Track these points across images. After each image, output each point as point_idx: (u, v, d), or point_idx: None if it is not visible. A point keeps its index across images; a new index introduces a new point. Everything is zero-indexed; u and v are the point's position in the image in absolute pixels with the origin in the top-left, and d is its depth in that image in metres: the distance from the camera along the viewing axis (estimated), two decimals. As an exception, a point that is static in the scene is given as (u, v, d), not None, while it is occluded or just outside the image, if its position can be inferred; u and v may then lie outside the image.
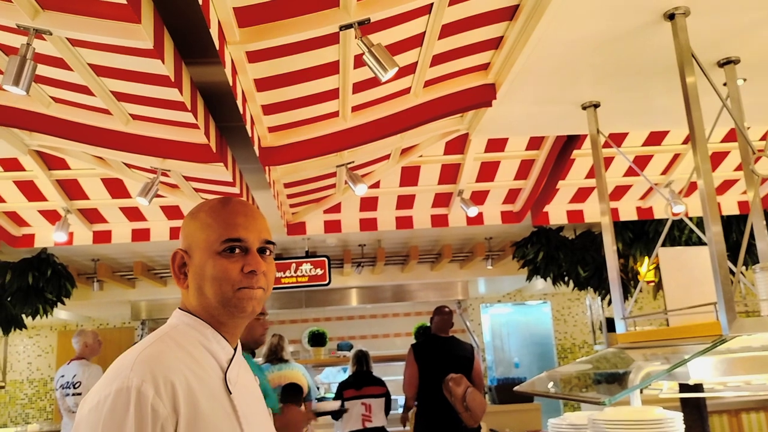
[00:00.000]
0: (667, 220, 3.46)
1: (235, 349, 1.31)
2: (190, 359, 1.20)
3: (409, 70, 3.23)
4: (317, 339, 9.09)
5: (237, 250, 1.26)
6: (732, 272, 2.59)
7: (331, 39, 2.64)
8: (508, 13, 2.92)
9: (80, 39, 2.33)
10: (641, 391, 3.31)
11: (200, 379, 1.19)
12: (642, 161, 5.01)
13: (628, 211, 5.66)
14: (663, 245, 3.38)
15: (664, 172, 5.25)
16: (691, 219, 4.92)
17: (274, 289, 7.08)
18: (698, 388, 3.21)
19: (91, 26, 2.16)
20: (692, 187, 5.25)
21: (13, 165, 4.45)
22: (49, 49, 2.48)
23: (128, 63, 2.48)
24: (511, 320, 11.26)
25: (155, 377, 1.13)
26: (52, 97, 3.15)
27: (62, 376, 5.70)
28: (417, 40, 2.95)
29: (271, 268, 1.31)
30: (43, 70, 2.69)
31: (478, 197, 5.45)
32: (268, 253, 1.30)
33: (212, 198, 1.38)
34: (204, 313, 1.27)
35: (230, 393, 1.24)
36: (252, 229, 1.28)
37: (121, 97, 2.92)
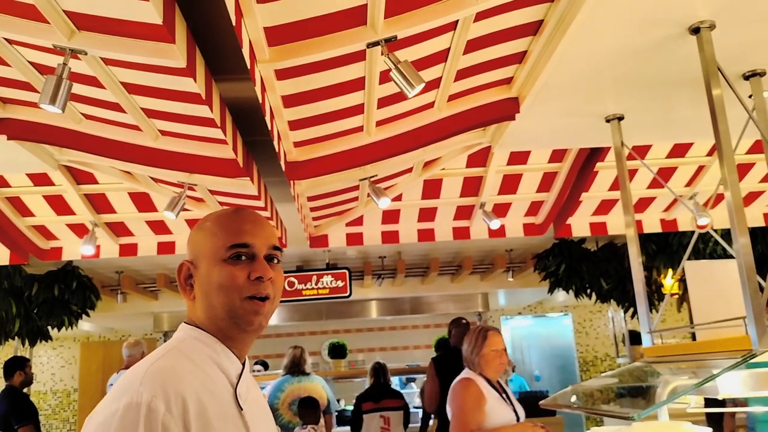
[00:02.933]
0: (691, 232, 3.45)
1: (243, 364, 1.28)
2: (201, 373, 1.16)
3: (434, 84, 3.25)
4: (337, 351, 9.09)
5: (243, 257, 1.22)
6: (760, 285, 2.57)
7: (358, 56, 2.67)
8: (533, 28, 2.94)
9: (114, 58, 2.38)
10: (667, 406, 3.28)
11: (211, 395, 1.15)
12: (666, 173, 4.99)
13: (652, 224, 5.63)
14: (687, 258, 3.36)
15: (688, 184, 5.21)
16: (715, 231, 4.88)
17: (296, 301, 7.14)
18: (725, 402, 3.18)
19: (126, 46, 2.21)
20: (718, 199, 5.21)
21: (42, 180, 4.54)
22: (83, 68, 2.54)
23: (160, 81, 2.53)
24: (532, 332, 11.20)
25: (166, 392, 1.08)
26: (83, 114, 3.22)
27: (110, 384, 5.83)
28: (442, 56, 2.98)
29: (278, 276, 1.26)
30: (75, 88, 2.75)
31: (500, 210, 5.45)
32: (275, 261, 1.27)
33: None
34: (211, 326, 1.23)
35: (241, 409, 1.20)
36: (259, 235, 1.24)
37: (151, 113, 2.98)
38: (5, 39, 2.49)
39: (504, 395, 3.36)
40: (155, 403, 1.06)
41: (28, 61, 2.69)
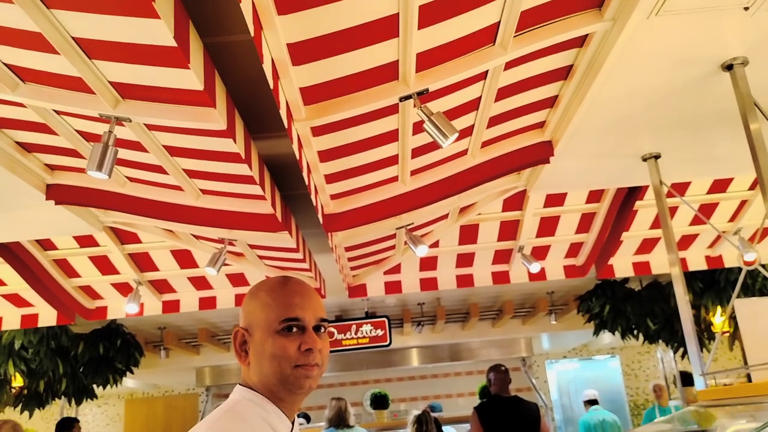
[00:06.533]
0: (738, 268, 3.36)
1: (293, 423, 1.37)
2: None
3: (466, 132, 3.28)
4: (379, 401, 8.97)
5: (294, 329, 1.32)
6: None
7: (391, 110, 2.72)
8: (563, 73, 2.96)
9: (157, 124, 2.47)
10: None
11: None
12: (708, 209, 4.89)
13: (696, 261, 5.49)
14: (737, 296, 3.27)
15: (731, 220, 5.10)
16: (763, 266, 4.74)
17: (336, 351, 7.07)
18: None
19: (168, 112, 2.30)
20: (764, 233, 5.09)
21: (88, 241, 4.67)
22: (127, 134, 2.64)
23: (201, 143, 2.61)
24: (579, 376, 10.89)
25: None
26: (127, 177, 3.32)
27: None
28: (473, 105, 3.01)
29: (325, 345, 1.37)
30: (120, 152, 2.85)
31: (540, 252, 5.39)
32: (322, 330, 1.37)
33: (272, 277, 1.45)
34: (264, 389, 1.33)
35: None
36: (308, 308, 1.34)
37: (192, 174, 3.06)
38: (54, 110, 2.61)
39: None
40: None
41: (75, 130, 2.81)
